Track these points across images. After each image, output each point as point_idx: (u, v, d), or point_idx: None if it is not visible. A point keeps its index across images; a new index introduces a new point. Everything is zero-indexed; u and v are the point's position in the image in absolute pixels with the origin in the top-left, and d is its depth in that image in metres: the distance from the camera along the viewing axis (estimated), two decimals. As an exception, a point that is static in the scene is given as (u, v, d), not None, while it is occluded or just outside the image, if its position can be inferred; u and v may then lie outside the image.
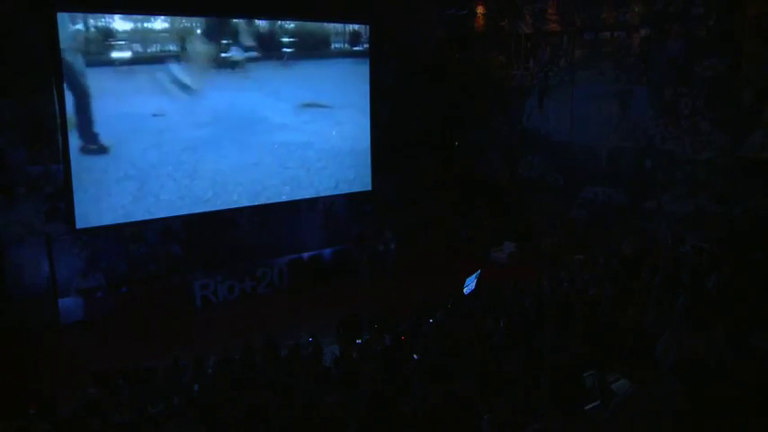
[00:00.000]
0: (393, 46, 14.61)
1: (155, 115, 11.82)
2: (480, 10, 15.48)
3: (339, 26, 14.02)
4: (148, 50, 11.72)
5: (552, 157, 14.62)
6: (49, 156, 11.00)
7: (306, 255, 13.81)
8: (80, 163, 11.08)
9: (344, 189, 14.47)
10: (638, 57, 12.71)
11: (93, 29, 11.13)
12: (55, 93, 10.73)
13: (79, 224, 11.24)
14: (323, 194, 14.18)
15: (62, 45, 10.69)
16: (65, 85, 10.80)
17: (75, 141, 11.07)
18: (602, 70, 13.32)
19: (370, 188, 14.76)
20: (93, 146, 11.27)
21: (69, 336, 11.01)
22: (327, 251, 14.11)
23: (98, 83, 11.15)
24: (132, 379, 7.80)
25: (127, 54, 11.46)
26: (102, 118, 11.25)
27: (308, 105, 13.66)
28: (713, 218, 11.52)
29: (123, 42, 11.41)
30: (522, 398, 3.38)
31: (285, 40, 13.28)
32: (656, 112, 12.55)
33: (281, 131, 13.40)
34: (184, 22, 12.10)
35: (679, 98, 12.13)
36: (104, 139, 11.35)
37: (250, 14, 12.59)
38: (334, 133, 14.12)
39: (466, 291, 10.58)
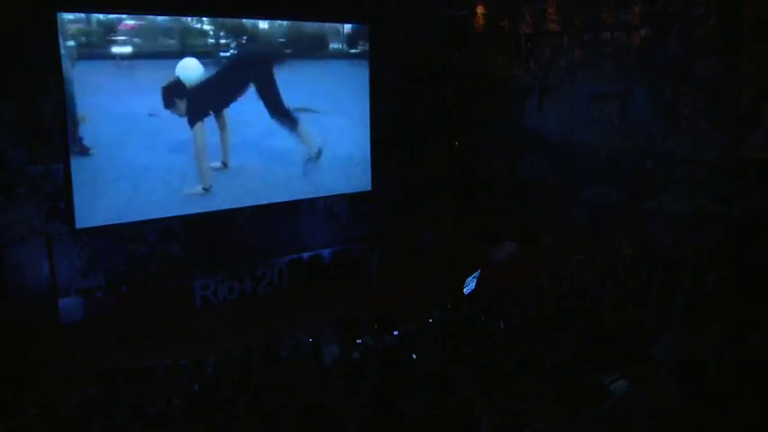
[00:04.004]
0: (392, 46, 14.61)
1: (150, 115, 11.77)
2: (480, 10, 15.48)
3: (336, 26, 13.99)
4: (147, 47, 11.71)
5: (552, 157, 14.62)
6: (49, 156, 11.01)
7: (306, 255, 13.81)
8: (79, 163, 11.08)
9: (344, 189, 14.48)
10: (638, 57, 12.71)
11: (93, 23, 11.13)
12: (55, 93, 10.73)
13: (79, 224, 11.24)
14: (323, 194, 14.18)
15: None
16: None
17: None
18: (602, 70, 13.33)
19: (370, 188, 14.76)
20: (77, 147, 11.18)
21: (69, 336, 11.00)
22: (327, 251, 14.12)
23: (92, 78, 11.10)
24: (132, 379, 7.80)
25: (125, 49, 11.45)
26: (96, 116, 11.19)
27: (305, 110, 13.65)
28: (713, 218, 11.52)
29: (121, 38, 11.41)
30: (522, 398, 3.38)
31: (282, 40, 13.30)
32: (656, 112, 12.55)
33: (278, 134, 13.40)
34: (189, 21, 12.12)
35: (679, 98, 12.13)
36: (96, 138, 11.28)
37: (250, 14, 12.61)
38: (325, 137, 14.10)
39: (466, 291, 10.58)
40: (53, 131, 10.94)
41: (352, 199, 14.70)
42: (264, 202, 13.38)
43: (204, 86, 12.30)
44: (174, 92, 11.98)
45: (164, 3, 11.74)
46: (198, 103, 12.28)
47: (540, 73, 14.57)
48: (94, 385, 7.62)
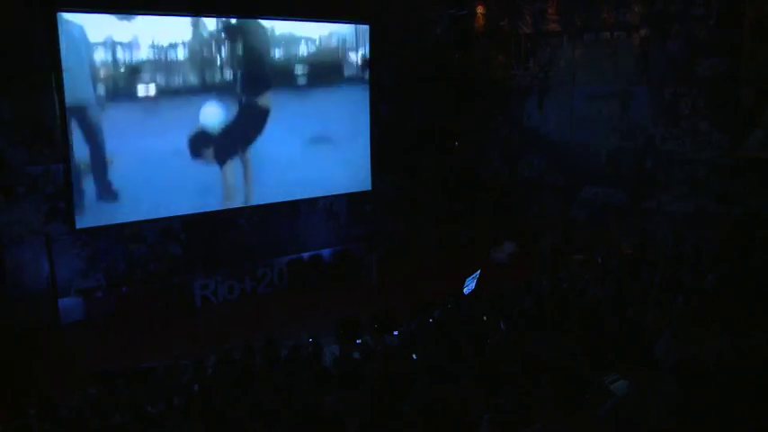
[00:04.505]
0: (393, 46, 14.60)
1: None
2: (480, 10, 15.47)
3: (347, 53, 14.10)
4: (169, 87, 11.83)
5: (552, 157, 14.61)
6: (49, 156, 11.00)
7: (306, 255, 13.81)
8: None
9: (344, 189, 14.47)
10: (638, 57, 12.71)
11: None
12: (55, 93, 10.73)
13: (79, 224, 11.24)
14: (323, 194, 14.19)
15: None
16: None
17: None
18: (602, 70, 13.32)
19: (370, 188, 14.76)
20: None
21: (69, 336, 11.00)
22: (327, 251, 14.12)
23: (119, 120, 11.34)
24: (132, 379, 7.80)
25: (150, 90, 11.61)
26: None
27: (315, 139, 13.87)
28: (713, 218, 11.52)
29: (146, 79, 11.53)
30: (522, 398, 3.38)
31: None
32: (656, 112, 12.54)
33: (298, 165, 13.54)
34: (207, 56, 12.21)
35: (679, 98, 12.13)
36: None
37: (250, 14, 12.59)
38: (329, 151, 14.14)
39: (466, 291, 10.58)
40: (53, 131, 10.94)
41: (352, 199, 14.70)
42: (264, 203, 13.39)
43: (228, 129, 12.54)
44: (200, 141, 12.25)
45: (163, 3, 11.73)
46: (224, 146, 12.56)
47: (540, 73, 14.57)
48: (94, 385, 7.62)
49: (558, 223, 14.23)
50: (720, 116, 11.57)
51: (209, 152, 12.40)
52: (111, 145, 11.28)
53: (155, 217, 12.03)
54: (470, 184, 15.85)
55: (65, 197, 11.13)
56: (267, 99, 12.99)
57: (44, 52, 10.54)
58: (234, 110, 12.58)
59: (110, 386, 7.45)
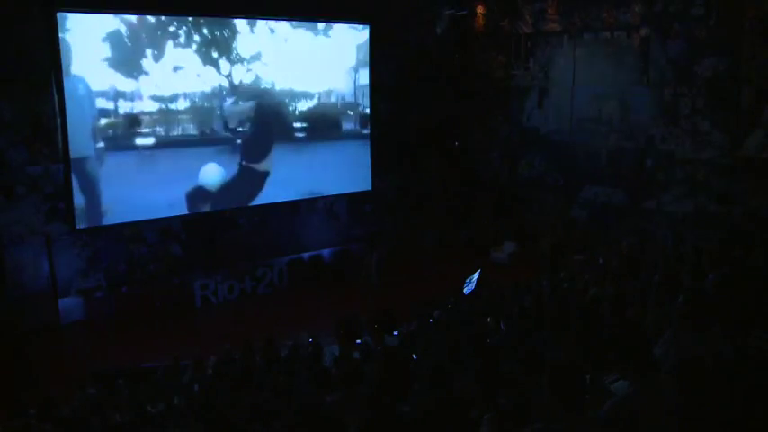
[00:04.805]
0: (393, 46, 14.60)
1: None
2: (480, 10, 15.47)
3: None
4: (167, 137, 11.92)
5: (552, 157, 14.61)
6: (49, 156, 11.00)
7: (306, 255, 13.81)
8: (80, 164, 11.13)
9: (344, 189, 14.48)
10: (638, 57, 12.71)
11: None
12: (55, 93, 10.73)
13: (79, 224, 11.25)
14: (323, 194, 14.19)
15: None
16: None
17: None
18: (602, 70, 13.31)
19: (370, 188, 14.76)
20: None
21: (69, 336, 11.01)
22: (327, 251, 14.12)
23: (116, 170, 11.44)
24: (132, 379, 7.81)
25: (148, 140, 11.70)
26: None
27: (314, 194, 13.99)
28: (713, 218, 11.52)
29: (144, 130, 11.63)
30: (522, 398, 3.38)
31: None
32: (656, 112, 12.55)
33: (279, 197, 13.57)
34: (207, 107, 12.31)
35: (679, 98, 12.13)
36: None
37: (249, 14, 12.58)
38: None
39: (466, 291, 10.59)
40: (53, 131, 10.94)
41: (352, 199, 14.70)
42: (264, 202, 13.39)
43: (226, 187, 12.67)
44: (197, 198, 12.38)
45: (161, 2, 11.72)
46: (221, 204, 12.73)
47: (539, 73, 14.57)
48: (94, 385, 7.63)
49: (558, 223, 14.24)
50: (720, 116, 11.58)
51: (207, 208, 12.60)
52: (108, 194, 11.38)
53: (155, 217, 12.04)
54: (470, 184, 15.86)
55: (65, 197, 11.13)
56: (267, 157, 13.11)
57: (44, 52, 10.53)
58: (233, 168, 12.72)
59: (110, 386, 7.45)
